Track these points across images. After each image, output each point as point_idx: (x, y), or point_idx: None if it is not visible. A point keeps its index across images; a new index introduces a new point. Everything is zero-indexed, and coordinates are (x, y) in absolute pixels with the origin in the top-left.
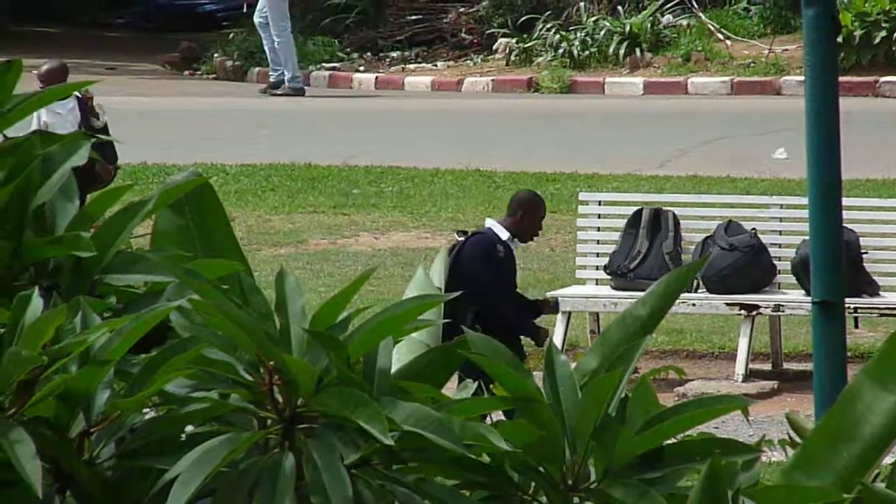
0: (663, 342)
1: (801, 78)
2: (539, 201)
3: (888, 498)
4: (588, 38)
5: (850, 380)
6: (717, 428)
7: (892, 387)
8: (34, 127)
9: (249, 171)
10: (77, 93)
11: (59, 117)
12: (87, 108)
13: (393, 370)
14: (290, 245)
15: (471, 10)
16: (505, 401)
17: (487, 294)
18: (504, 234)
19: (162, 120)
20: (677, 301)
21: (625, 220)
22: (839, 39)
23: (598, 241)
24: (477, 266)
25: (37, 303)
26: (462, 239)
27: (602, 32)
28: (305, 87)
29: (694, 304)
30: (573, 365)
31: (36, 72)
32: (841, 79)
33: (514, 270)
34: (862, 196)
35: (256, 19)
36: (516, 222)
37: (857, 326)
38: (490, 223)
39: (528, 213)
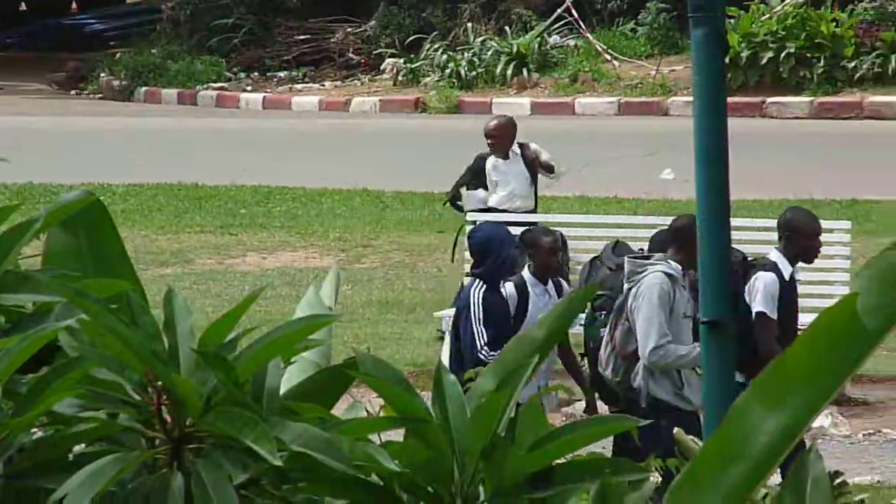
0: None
1: (689, 98)
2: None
3: None
4: (475, 59)
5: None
6: (604, 448)
7: (779, 406)
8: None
9: (136, 191)
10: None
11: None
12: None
13: (283, 390)
14: (176, 265)
15: (358, 31)
16: (393, 421)
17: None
18: None
19: (48, 139)
20: None
21: None
22: (726, 60)
23: None
24: None
25: None
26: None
27: (489, 53)
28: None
29: (582, 325)
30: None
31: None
32: (728, 99)
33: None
34: (749, 217)
35: None
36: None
37: None
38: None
39: None
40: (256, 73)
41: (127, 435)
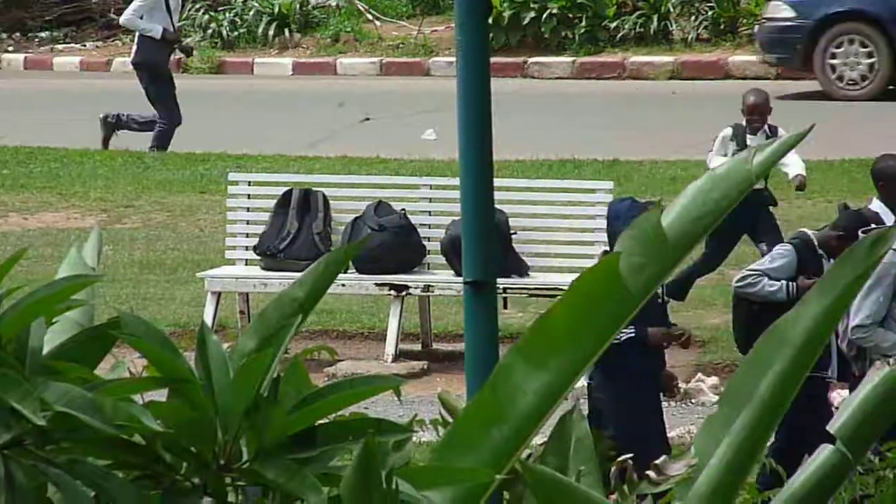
0: (313, 322)
1: (451, 59)
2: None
3: (544, 474)
4: (237, 19)
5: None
6: (367, 408)
7: (542, 366)
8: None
9: None
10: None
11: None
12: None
13: (46, 350)
14: None
15: None
16: (156, 381)
17: None
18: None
19: None
20: None
21: (274, 201)
22: (489, 20)
23: (247, 222)
24: None
25: None
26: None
27: (251, 13)
28: None
29: (344, 285)
30: (225, 345)
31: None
32: (491, 60)
33: None
34: (511, 177)
35: None
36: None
37: (505, 307)
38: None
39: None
40: (18, 34)
41: None
